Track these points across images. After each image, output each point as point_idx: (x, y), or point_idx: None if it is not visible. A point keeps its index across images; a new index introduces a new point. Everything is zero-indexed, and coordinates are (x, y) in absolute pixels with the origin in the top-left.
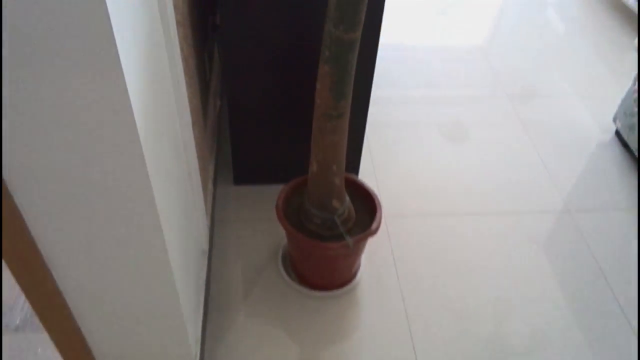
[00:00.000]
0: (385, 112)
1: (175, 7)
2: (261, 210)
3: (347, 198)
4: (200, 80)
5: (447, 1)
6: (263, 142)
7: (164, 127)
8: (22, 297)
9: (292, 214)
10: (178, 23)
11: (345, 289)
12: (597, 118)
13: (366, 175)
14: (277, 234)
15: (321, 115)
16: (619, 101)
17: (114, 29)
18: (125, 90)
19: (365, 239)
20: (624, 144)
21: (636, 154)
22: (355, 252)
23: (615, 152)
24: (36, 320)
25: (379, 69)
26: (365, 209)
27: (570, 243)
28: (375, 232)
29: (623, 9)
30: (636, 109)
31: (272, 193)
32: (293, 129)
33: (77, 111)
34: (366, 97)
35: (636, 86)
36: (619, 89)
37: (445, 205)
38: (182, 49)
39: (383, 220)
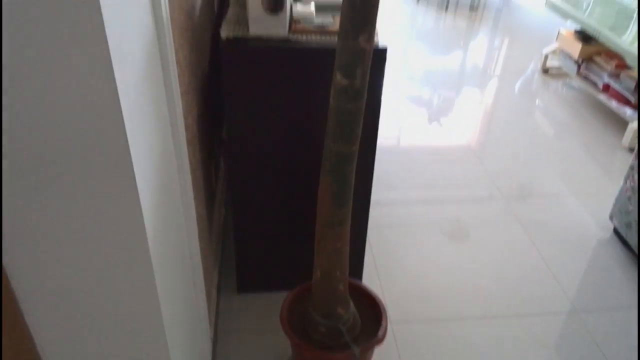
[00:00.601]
0: (385, 214)
1: (187, 127)
2: (266, 319)
3: (352, 304)
4: (206, 191)
5: (439, 108)
6: (267, 250)
7: (172, 239)
8: None
9: (297, 322)
10: (188, 142)
11: None
12: (594, 216)
13: (370, 279)
14: (282, 344)
15: (323, 223)
16: (613, 199)
17: (132, 152)
18: (139, 205)
19: (372, 347)
20: (623, 241)
21: (636, 250)
22: None
23: (616, 249)
24: None
25: (377, 172)
26: (371, 314)
27: (580, 344)
28: (381, 340)
29: (607, 111)
30: (631, 207)
31: (277, 300)
32: (296, 236)
33: (91, 223)
34: (366, 200)
35: (628, 184)
36: (613, 187)
37: (451, 309)
38: (190, 164)
39: (389, 326)
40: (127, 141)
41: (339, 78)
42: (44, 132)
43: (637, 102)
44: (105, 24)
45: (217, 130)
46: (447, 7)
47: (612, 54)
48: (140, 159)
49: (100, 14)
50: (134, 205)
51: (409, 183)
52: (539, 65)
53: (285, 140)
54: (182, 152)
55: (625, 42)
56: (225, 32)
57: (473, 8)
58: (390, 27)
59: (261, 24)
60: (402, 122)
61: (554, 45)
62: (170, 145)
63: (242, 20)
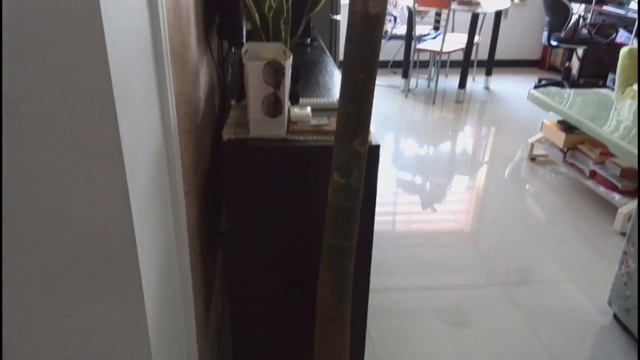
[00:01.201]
0: (384, 301)
1: (188, 225)
2: None
3: None
4: (204, 286)
5: (432, 194)
6: (265, 343)
7: (172, 338)
8: None
9: None
10: (189, 239)
11: None
12: (593, 301)
13: None
14: None
15: (323, 318)
16: (610, 284)
17: (139, 256)
18: (143, 307)
19: None
20: (624, 327)
21: (636, 336)
22: None
23: (617, 335)
24: None
25: (374, 259)
26: None
27: None
28: None
29: (596, 197)
30: (628, 293)
31: None
32: (295, 330)
33: (96, 321)
34: (365, 291)
35: (624, 270)
36: (609, 272)
37: None
38: (191, 260)
39: None
40: (135, 246)
41: (336, 177)
42: (54, 236)
43: (624, 187)
44: (122, 142)
45: (214, 224)
46: (434, 101)
47: (595, 142)
48: (145, 259)
49: (119, 135)
50: (139, 306)
51: (406, 269)
52: (526, 154)
53: (284, 235)
54: (183, 250)
55: (606, 131)
56: (227, 135)
57: (459, 101)
58: (381, 118)
59: (261, 127)
60: (396, 209)
61: (539, 135)
62: (172, 244)
63: (243, 123)
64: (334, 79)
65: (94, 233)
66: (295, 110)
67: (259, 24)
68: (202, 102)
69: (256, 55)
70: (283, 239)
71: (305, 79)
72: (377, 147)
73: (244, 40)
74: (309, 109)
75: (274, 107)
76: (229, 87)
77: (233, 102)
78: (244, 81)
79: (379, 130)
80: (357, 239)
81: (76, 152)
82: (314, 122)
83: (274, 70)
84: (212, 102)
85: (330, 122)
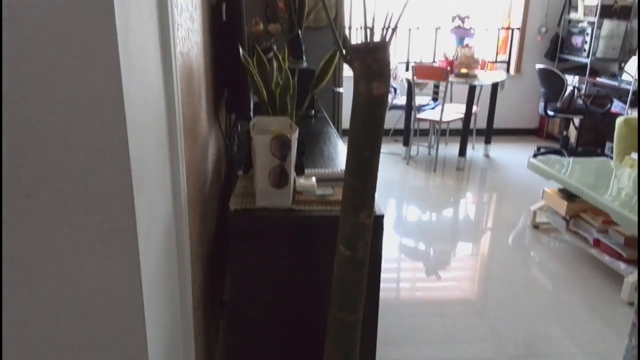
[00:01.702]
0: None
1: (193, 295)
2: None
3: None
4: (206, 358)
5: (436, 262)
6: None
7: None
8: None
9: None
10: (194, 309)
11: None
12: None
13: None
14: None
15: None
16: (621, 357)
17: (147, 332)
18: None
19: None
20: None
21: None
22: None
23: None
24: None
25: (379, 328)
26: None
27: None
28: None
29: (601, 265)
30: None
31: None
32: None
33: None
34: None
35: (634, 342)
36: (619, 343)
37: None
38: (194, 330)
39: None
40: (144, 325)
41: (342, 250)
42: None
43: (629, 256)
44: (138, 220)
45: (217, 293)
46: (435, 168)
47: (597, 211)
48: (153, 337)
49: (134, 215)
50: None
51: (411, 340)
52: (529, 221)
53: (288, 306)
54: (187, 321)
55: (607, 200)
56: (233, 205)
57: (459, 168)
58: (383, 185)
59: (267, 197)
60: (401, 276)
61: (540, 203)
62: (177, 316)
63: (249, 193)
64: (338, 149)
65: (104, 312)
66: (301, 181)
67: (266, 99)
68: (209, 173)
69: (263, 129)
70: (287, 309)
71: (310, 150)
72: (381, 217)
73: (251, 113)
74: (314, 179)
75: (280, 179)
76: (235, 157)
77: (240, 172)
78: (252, 153)
79: (381, 197)
80: (363, 310)
81: (92, 229)
82: (319, 192)
83: (281, 144)
84: (219, 171)
85: (335, 192)
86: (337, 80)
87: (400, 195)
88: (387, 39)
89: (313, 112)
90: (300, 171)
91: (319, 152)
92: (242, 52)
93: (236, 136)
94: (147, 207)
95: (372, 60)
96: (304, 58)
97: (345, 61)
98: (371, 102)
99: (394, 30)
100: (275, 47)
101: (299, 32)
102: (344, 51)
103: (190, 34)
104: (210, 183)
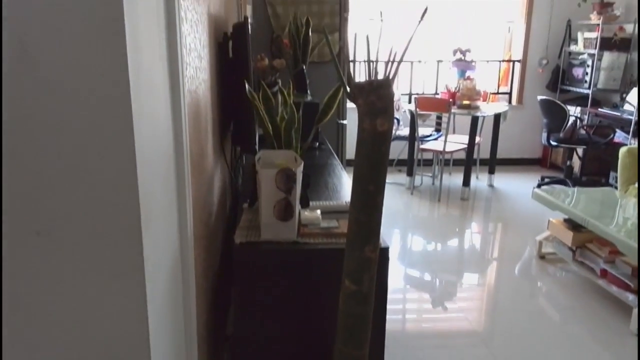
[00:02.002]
0: None
1: (198, 331)
2: None
3: None
4: None
5: (442, 292)
6: None
7: None
8: None
9: None
10: (199, 344)
11: None
12: None
13: None
14: None
15: None
16: None
17: None
18: None
19: None
20: None
21: None
22: None
23: None
24: None
25: None
26: None
27: None
28: None
29: (609, 296)
30: None
31: None
32: None
33: None
34: None
35: None
36: None
37: None
38: None
39: None
40: (150, 357)
41: (347, 284)
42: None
43: (636, 287)
44: (145, 261)
45: (222, 326)
46: (439, 198)
47: (604, 241)
48: None
49: (142, 256)
50: None
51: None
52: (535, 251)
53: (293, 340)
54: (192, 356)
55: (613, 230)
56: (238, 238)
57: (464, 198)
58: (388, 215)
59: (272, 230)
60: (406, 307)
61: (546, 233)
62: (182, 349)
63: (254, 226)
64: (342, 180)
65: (110, 347)
66: (306, 214)
67: (271, 132)
68: (215, 206)
69: (269, 162)
70: (292, 343)
71: (315, 182)
72: (386, 250)
73: (257, 146)
74: (318, 211)
75: (285, 212)
76: (240, 189)
77: (245, 205)
78: (257, 186)
79: (386, 227)
80: (369, 344)
81: (100, 266)
82: (324, 224)
83: (286, 177)
84: (224, 204)
85: (339, 225)
86: (341, 112)
87: (405, 225)
88: (390, 77)
89: (317, 144)
90: (305, 204)
91: (323, 184)
92: (248, 88)
93: (241, 168)
94: (154, 243)
95: (376, 97)
96: (309, 92)
97: (350, 99)
98: (375, 138)
99: (397, 68)
100: (280, 82)
101: (304, 67)
102: (348, 89)
103: (198, 72)
104: (216, 216)
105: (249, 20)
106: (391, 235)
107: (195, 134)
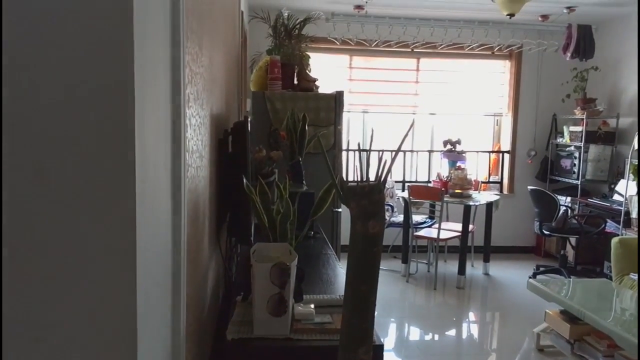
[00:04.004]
0: None
1: None
2: None
3: None
4: None
5: None
6: None
7: None
8: None
9: None
10: None
11: None
12: None
13: None
14: None
15: None
16: None
17: None
18: None
19: None
20: None
21: None
22: None
23: None
24: None
25: None
26: None
27: None
28: None
29: None
30: None
31: None
32: None
33: None
34: None
35: None
36: None
37: None
38: None
39: None
40: None
41: None
42: None
43: None
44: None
45: None
46: (435, 286)
47: (601, 334)
48: None
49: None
50: None
51: None
52: (533, 344)
53: None
54: None
55: (610, 324)
56: (230, 334)
57: (459, 287)
58: (383, 303)
59: (265, 326)
60: None
61: (544, 325)
62: None
63: (247, 321)
64: (336, 271)
65: None
66: (299, 309)
67: (267, 224)
68: (208, 299)
69: (263, 255)
70: None
71: (309, 273)
72: (381, 347)
73: (252, 237)
74: (312, 306)
75: (278, 307)
76: (234, 280)
77: (239, 298)
78: (251, 280)
79: (381, 316)
80: None
81: None
82: (318, 319)
83: (280, 271)
84: (217, 295)
85: (333, 320)
86: (336, 201)
87: (401, 314)
88: (382, 181)
89: (312, 233)
90: (298, 298)
91: (317, 276)
92: (245, 182)
93: (236, 257)
94: (147, 344)
95: (367, 202)
96: (304, 182)
97: (343, 202)
98: (367, 240)
99: (388, 172)
100: (277, 172)
101: (300, 158)
102: (341, 193)
103: (198, 170)
104: (208, 309)
105: (249, 117)
106: (387, 325)
107: (193, 229)
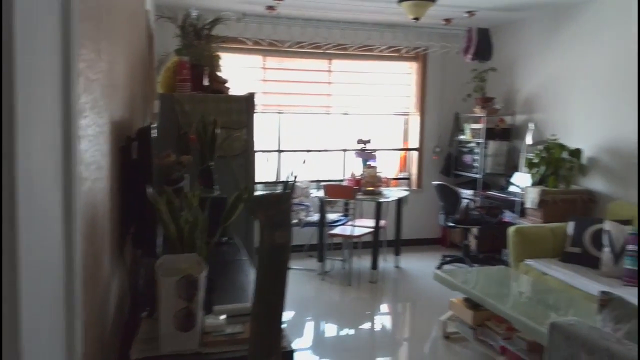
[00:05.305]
0: None
1: None
2: None
3: None
4: None
5: None
6: None
7: None
8: None
9: None
10: None
11: None
12: None
13: None
14: None
15: None
16: None
17: None
18: None
19: None
20: None
21: None
22: None
23: None
24: None
25: None
26: None
27: None
28: None
29: None
30: None
31: None
32: None
33: None
34: None
35: None
36: None
37: None
38: None
39: None
40: None
41: None
42: None
43: None
44: None
45: None
46: (349, 282)
47: (501, 318)
48: None
49: None
50: None
51: None
52: (441, 332)
53: None
54: None
55: (507, 307)
56: (135, 354)
57: (372, 281)
58: (299, 302)
59: (172, 342)
60: None
61: (449, 313)
62: None
63: (153, 338)
64: (250, 278)
65: None
66: (209, 321)
67: (175, 235)
68: (111, 317)
69: (171, 267)
70: None
71: (221, 282)
72: (291, 353)
73: (160, 248)
74: (223, 317)
75: (186, 321)
76: (141, 293)
77: (144, 314)
78: (157, 295)
79: (297, 315)
80: None
81: None
82: (229, 330)
83: (188, 284)
84: (122, 312)
85: (245, 329)
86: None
87: (317, 312)
88: (289, 191)
89: (225, 239)
90: (208, 309)
91: (229, 284)
92: (149, 191)
93: (143, 270)
94: None
95: (275, 212)
96: (216, 187)
97: (250, 213)
98: (275, 250)
99: (294, 184)
100: (188, 177)
101: (211, 163)
102: (249, 203)
103: (96, 183)
104: (111, 329)
105: (154, 123)
106: (303, 324)
107: (89, 246)
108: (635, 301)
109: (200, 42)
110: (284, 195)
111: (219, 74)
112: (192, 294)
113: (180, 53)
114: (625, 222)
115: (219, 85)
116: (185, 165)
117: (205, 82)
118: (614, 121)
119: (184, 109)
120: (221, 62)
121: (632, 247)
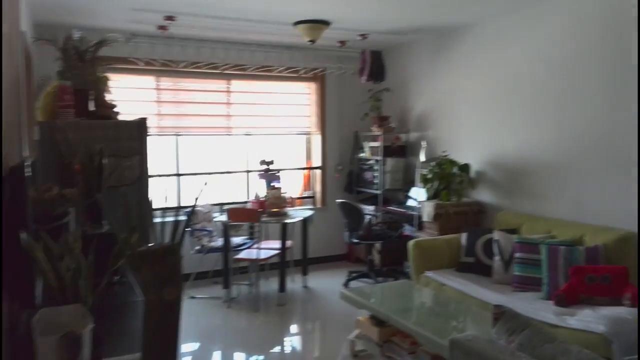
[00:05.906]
0: None
1: None
2: None
3: None
4: None
5: None
6: None
7: None
8: None
9: None
10: None
11: None
12: None
13: None
14: None
15: None
16: None
17: None
18: None
19: None
20: None
21: None
22: None
23: None
24: None
25: None
26: None
27: None
28: None
29: None
30: None
31: None
32: None
33: None
34: None
35: None
36: None
37: None
38: None
39: None
40: None
41: None
42: None
43: None
44: None
45: None
46: (257, 307)
47: (406, 333)
48: None
49: None
50: None
51: None
52: (349, 350)
53: None
54: None
55: (410, 322)
56: None
57: (281, 304)
58: (204, 334)
59: None
60: None
61: (357, 331)
62: None
63: None
64: None
65: None
66: None
67: (55, 284)
68: None
69: (51, 322)
70: None
71: (111, 329)
72: None
73: (38, 299)
74: None
75: None
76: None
77: None
78: (34, 357)
79: (203, 347)
80: None
81: None
82: None
83: (70, 342)
84: None
85: None
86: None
87: (224, 342)
88: (178, 242)
89: (117, 278)
90: None
91: (119, 333)
92: (23, 238)
93: (22, 327)
94: None
95: (161, 267)
96: (105, 221)
97: (132, 269)
98: (164, 309)
99: (184, 234)
100: (72, 211)
101: (99, 195)
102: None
103: None
104: None
105: (29, 159)
106: (209, 356)
107: None
108: (523, 310)
109: (84, 65)
110: (172, 247)
111: (107, 97)
112: (75, 354)
113: (62, 77)
114: (512, 231)
115: (107, 110)
116: (69, 199)
117: (91, 108)
118: (495, 138)
119: (67, 138)
120: (110, 84)
121: (519, 254)
